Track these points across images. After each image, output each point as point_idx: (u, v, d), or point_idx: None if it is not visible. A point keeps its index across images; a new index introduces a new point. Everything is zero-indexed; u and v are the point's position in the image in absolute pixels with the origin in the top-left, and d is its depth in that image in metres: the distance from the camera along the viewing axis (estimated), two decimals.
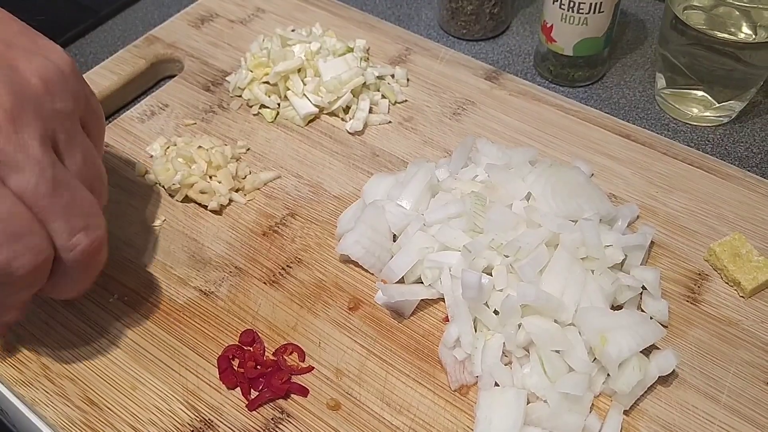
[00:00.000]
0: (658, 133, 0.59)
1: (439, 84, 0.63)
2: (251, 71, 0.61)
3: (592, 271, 0.45)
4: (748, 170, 0.56)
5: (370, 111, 0.60)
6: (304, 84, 0.60)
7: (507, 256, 0.45)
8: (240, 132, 0.59)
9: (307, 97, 0.59)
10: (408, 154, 0.57)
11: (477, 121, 0.59)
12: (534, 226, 0.47)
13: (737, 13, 0.58)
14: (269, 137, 0.59)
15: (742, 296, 0.47)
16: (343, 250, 0.49)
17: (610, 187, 0.54)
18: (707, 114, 0.61)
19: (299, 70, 0.60)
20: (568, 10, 0.59)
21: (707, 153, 0.58)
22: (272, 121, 0.60)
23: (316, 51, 0.61)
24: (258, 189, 0.55)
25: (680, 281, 0.48)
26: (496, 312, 0.44)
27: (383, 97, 0.61)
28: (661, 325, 0.45)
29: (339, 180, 0.55)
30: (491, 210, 0.47)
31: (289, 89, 0.60)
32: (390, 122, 0.60)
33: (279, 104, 0.60)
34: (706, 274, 0.49)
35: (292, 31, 0.65)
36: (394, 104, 0.61)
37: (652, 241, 0.50)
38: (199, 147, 0.55)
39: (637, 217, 0.52)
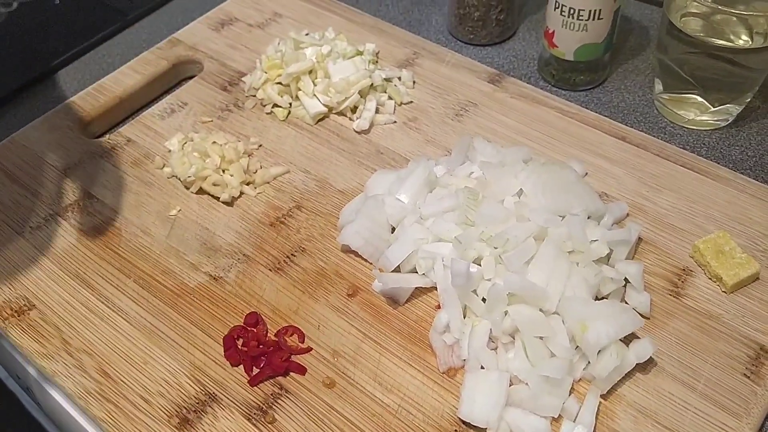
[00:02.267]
0: (655, 137, 0.61)
1: (443, 86, 0.65)
2: (265, 72, 0.64)
3: (578, 264, 0.48)
4: (742, 173, 0.57)
5: (377, 111, 0.63)
6: (315, 84, 0.63)
7: (496, 248, 0.48)
8: (253, 129, 0.63)
9: (317, 98, 0.63)
10: (411, 152, 0.60)
11: (478, 122, 0.62)
12: (523, 220, 0.49)
13: (734, 20, 0.60)
14: (280, 134, 0.62)
15: (724, 291, 0.49)
16: (344, 240, 0.52)
17: (603, 186, 0.56)
18: (704, 118, 0.63)
19: (310, 72, 0.64)
20: (569, 17, 0.62)
21: (702, 156, 0.60)
22: (284, 120, 0.63)
23: (327, 54, 0.64)
24: (268, 183, 0.58)
25: (664, 276, 0.50)
26: (484, 300, 0.47)
27: (390, 98, 0.64)
28: (643, 316, 0.48)
29: (344, 175, 0.59)
30: (483, 204, 0.49)
31: (300, 89, 0.63)
32: (395, 122, 0.63)
33: (291, 104, 0.64)
34: (691, 270, 0.51)
35: (306, 35, 0.69)
36: (400, 105, 0.64)
37: (639, 238, 0.52)
38: (214, 142, 0.59)
39: (627, 215, 0.54)
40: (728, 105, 0.62)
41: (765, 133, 0.63)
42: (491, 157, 0.54)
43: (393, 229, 0.52)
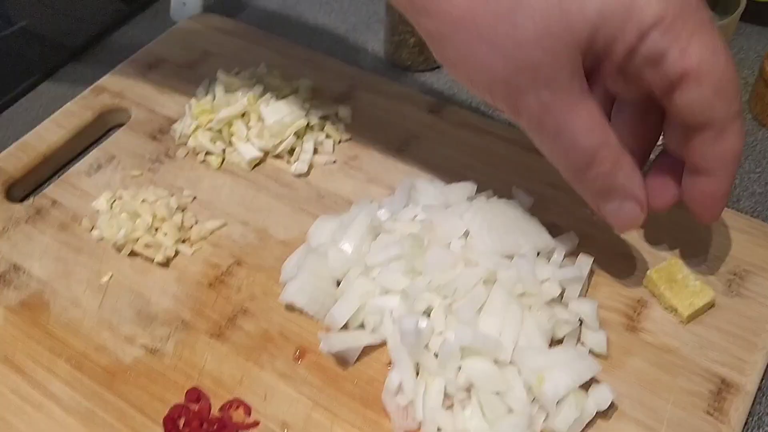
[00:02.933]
0: None
1: (383, 120, 0.63)
2: (195, 119, 0.61)
3: (530, 308, 0.46)
4: None
5: (315, 152, 0.61)
6: (249, 128, 0.60)
7: (445, 297, 0.46)
8: (186, 180, 0.60)
9: (252, 142, 0.60)
10: (353, 193, 0.58)
11: (420, 156, 0.60)
12: (471, 264, 0.47)
13: None
14: (215, 184, 0.59)
15: (681, 322, 0.48)
16: (287, 298, 0.49)
17: (551, 216, 0.54)
18: None
19: (243, 115, 0.61)
20: None
21: None
22: (218, 168, 0.60)
23: (259, 95, 0.61)
24: (204, 238, 0.55)
25: (619, 309, 0.49)
26: (436, 355, 0.45)
27: (327, 136, 0.61)
28: (600, 356, 0.46)
29: (285, 224, 0.56)
30: (429, 251, 0.47)
31: (233, 135, 0.60)
32: (335, 162, 0.60)
33: (224, 150, 0.61)
34: (645, 301, 0.49)
35: (237, 73, 0.66)
36: (339, 143, 0.62)
37: (591, 270, 0.51)
38: (144, 201, 0.56)
39: (578, 244, 0.52)
40: None
41: None
42: (434, 198, 0.52)
43: (339, 282, 0.50)
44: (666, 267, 0.49)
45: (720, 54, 0.35)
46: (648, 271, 0.49)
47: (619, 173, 0.40)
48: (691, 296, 0.47)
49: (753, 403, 0.45)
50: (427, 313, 0.46)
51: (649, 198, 0.43)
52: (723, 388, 0.44)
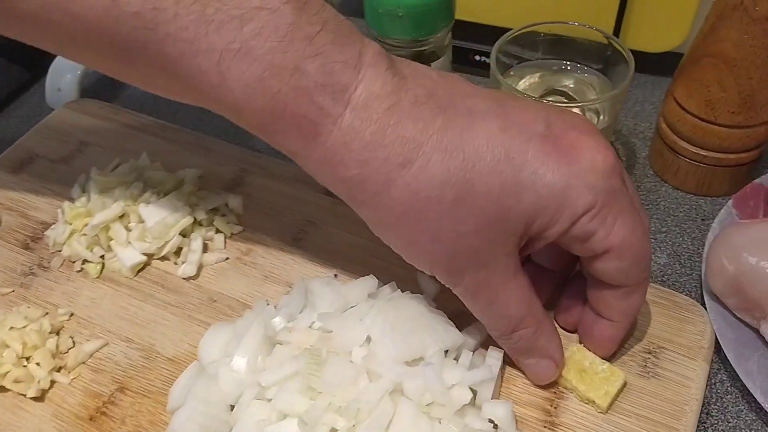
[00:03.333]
0: None
1: (278, 206, 0.59)
2: (69, 224, 0.56)
3: (440, 420, 0.42)
4: None
5: (205, 249, 0.56)
6: (128, 231, 0.55)
7: (349, 419, 0.42)
8: (62, 294, 0.54)
9: (133, 245, 0.55)
10: (248, 294, 0.53)
11: (318, 245, 0.56)
12: (375, 376, 0.44)
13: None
14: (95, 296, 0.54)
15: (600, 412, 0.45)
16: (175, 431, 0.44)
17: (457, 302, 0.51)
18: None
19: (122, 217, 0.56)
20: None
21: None
22: (98, 276, 0.55)
23: (139, 193, 0.56)
24: (83, 363, 0.50)
25: (536, 404, 0.46)
26: None
27: (218, 231, 0.57)
28: None
29: (173, 338, 0.51)
30: (327, 367, 0.43)
31: (111, 239, 0.55)
32: (227, 258, 0.56)
33: (103, 256, 0.55)
34: (561, 392, 0.47)
35: (115, 168, 0.61)
36: (230, 237, 0.57)
37: (504, 362, 0.48)
38: (11, 328, 0.50)
39: (487, 335, 0.49)
40: None
41: None
42: (332, 301, 0.48)
43: (233, 406, 0.45)
44: (571, 357, 0.46)
45: (638, 231, 0.39)
46: None
47: (541, 337, 0.44)
48: (604, 384, 0.45)
49: None
50: None
51: (560, 316, 0.49)
52: None
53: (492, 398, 0.44)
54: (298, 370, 0.44)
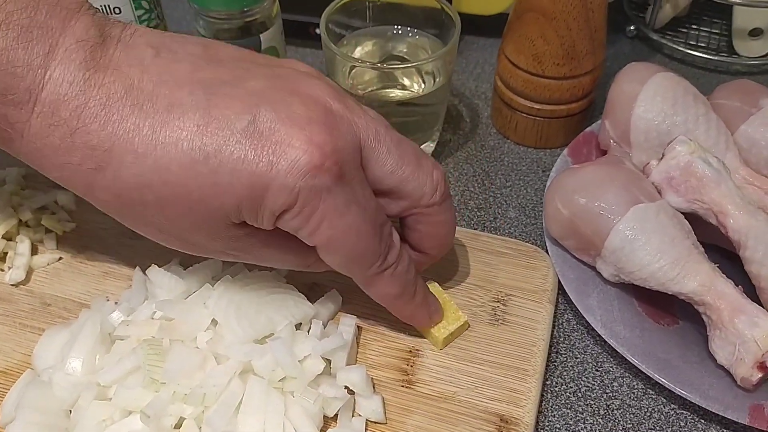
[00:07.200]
0: None
1: None
2: None
3: (293, 394, 0.41)
4: None
5: (35, 252, 0.52)
6: None
7: (196, 405, 0.40)
8: None
9: None
10: (86, 293, 0.50)
11: None
12: (222, 359, 0.42)
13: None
14: None
15: (440, 350, 0.46)
16: None
17: (310, 275, 0.50)
18: None
19: None
20: None
21: None
22: None
23: None
24: None
25: (393, 365, 0.46)
26: None
27: (48, 231, 0.53)
28: (380, 423, 0.43)
29: (4, 349, 0.47)
30: (170, 356, 0.41)
31: None
32: (61, 259, 0.52)
33: None
34: (417, 350, 0.47)
35: None
36: (62, 235, 0.53)
37: (360, 327, 0.47)
38: None
39: (341, 302, 0.49)
40: (427, 143, 0.60)
41: (461, 169, 0.62)
42: (172, 288, 0.46)
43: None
44: None
45: (352, 231, 0.39)
46: None
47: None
48: (445, 321, 0.46)
49: (536, 430, 0.45)
50: (180, 425, 0.40)
51: None
52: (503, 426, 0.43)
53: (347, 365, 0.44)
54: (137, 363, 0.41)
